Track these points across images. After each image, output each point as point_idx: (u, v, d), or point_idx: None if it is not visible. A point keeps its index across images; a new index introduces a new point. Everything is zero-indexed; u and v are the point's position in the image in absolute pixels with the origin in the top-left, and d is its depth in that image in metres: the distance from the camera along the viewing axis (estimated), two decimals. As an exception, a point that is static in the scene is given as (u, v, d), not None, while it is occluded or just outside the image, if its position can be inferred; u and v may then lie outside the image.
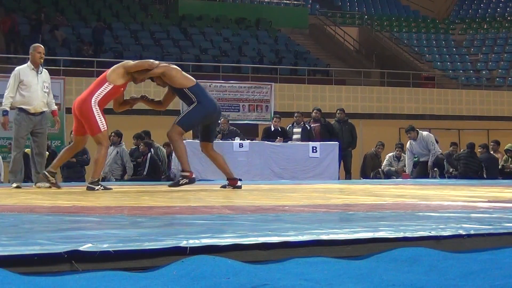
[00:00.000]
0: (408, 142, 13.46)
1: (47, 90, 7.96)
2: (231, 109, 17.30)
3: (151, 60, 6.95)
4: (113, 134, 12.70)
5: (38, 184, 7.52)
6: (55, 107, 8.22)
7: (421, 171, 13.28)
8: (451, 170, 13.60)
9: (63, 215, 3.43)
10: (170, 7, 25.60)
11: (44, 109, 7.92)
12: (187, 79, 6.92)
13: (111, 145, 12.82)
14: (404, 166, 14.26)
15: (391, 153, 14.60)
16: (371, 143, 15.41)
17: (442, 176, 13.27)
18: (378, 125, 19.49)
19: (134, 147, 12.90)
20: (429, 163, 13.25)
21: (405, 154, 14.59)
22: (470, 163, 13.50)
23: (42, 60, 7.89)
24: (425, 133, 13.60)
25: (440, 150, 13.71)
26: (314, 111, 13.71)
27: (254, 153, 11.98)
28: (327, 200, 4.95)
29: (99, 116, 6.61)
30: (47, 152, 12.69)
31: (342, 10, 29.41)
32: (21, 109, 7.78)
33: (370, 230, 2.41)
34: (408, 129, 13.47)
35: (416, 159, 13.56)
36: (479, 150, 14.10)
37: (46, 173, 7.11)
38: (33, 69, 7.83)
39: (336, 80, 21.06)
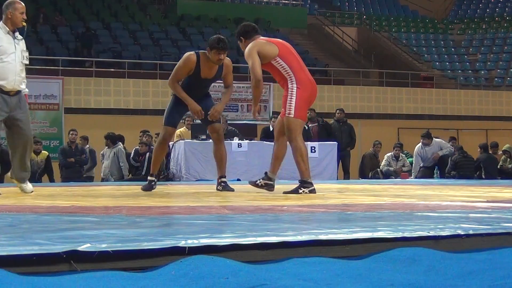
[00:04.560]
0: (418, 147, 13.41)
1: (27, 62, 6.10)
2: (230, 109, 17.32)
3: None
4: (105, 138, 12.78)
5: (25, 187, 6.06)
6: (26, 90, 6.13)
7: (424, 175, 13.27)
8: (451, 172, 13.60)
9: (62, 215, 3.42)
10: (168, 7, 25.60)
11: (22, 87, 6.01)
12: None
13: (107, 147, 12.89)
14: (403, 166, 14.29)
15: (390, 153, 14.60)
16: (370, 143, 15.41)
17: (442, 175, 13.27)
18: (377, 125, 19.49)
19: (137, 147, 12.91)
20: (441, 153, 13.20)
21: (403, 154, 14.61)
22: (465, 164, 13.53)
23: (24, 23, 6.04)
24: (437, 139, 13.58)
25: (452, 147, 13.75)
26: (308, 111, 13.67)
27: (253, 153, 11.96)
28: (326, 200, 4.95)
29: None
30: (46, 152, 12.84)
31: (341, 10, 29.41)
32: None
33: (368, 230, 2.41)
34: (424, 134, 13.40)
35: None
36: (478, 150, 14.11)
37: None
38: (8, 32, 5.93)
39: (335, 80, 21.07)
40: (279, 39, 6.22)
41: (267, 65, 5.77)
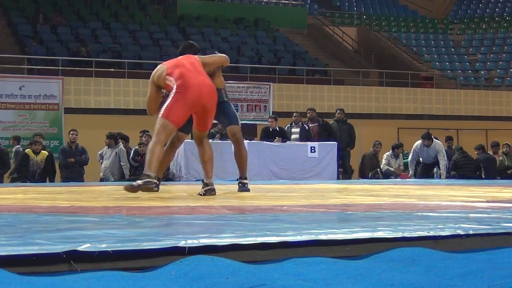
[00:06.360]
0: (418, 144, 13.28)
1: None
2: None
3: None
4: (106, 138, 12.76)
5: None
6: None
7: (424, 171, 13.26)
8: (451, 172, 13.59)
9: (62, 215, 3.42)
10: (168, 7, 25.61)
11: None
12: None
13: (107, 147, 12.87)
14: (401, 165, 14.29)
15: (388, 152, 14.58)
16: (370, 143, 15.41)
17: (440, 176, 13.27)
18: (377, 125, 19.49)
19: (136, 146, 12.91)
20: (444, 172, 13.10)
21: (403, 153, 14.60)
22: (465, 164, 13.53)
23: None
24: (439, 142, 13.50)
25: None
26: (308, 111, 13.68)
27: (253, 153, 11.96)
28: (326, 200, 4.95)
29: None
30: (45, 152, 12.81)
31: (341, 10, 29.43)
32: None
33: (368, 230, 2.41)
34: (425, 136, 13.17)
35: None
36: (476, 152, 14.11)
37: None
38: None
39: (335, 80, 21.07)
40: (182, 57, 5.98)
41: (167, 86, 5.72)
